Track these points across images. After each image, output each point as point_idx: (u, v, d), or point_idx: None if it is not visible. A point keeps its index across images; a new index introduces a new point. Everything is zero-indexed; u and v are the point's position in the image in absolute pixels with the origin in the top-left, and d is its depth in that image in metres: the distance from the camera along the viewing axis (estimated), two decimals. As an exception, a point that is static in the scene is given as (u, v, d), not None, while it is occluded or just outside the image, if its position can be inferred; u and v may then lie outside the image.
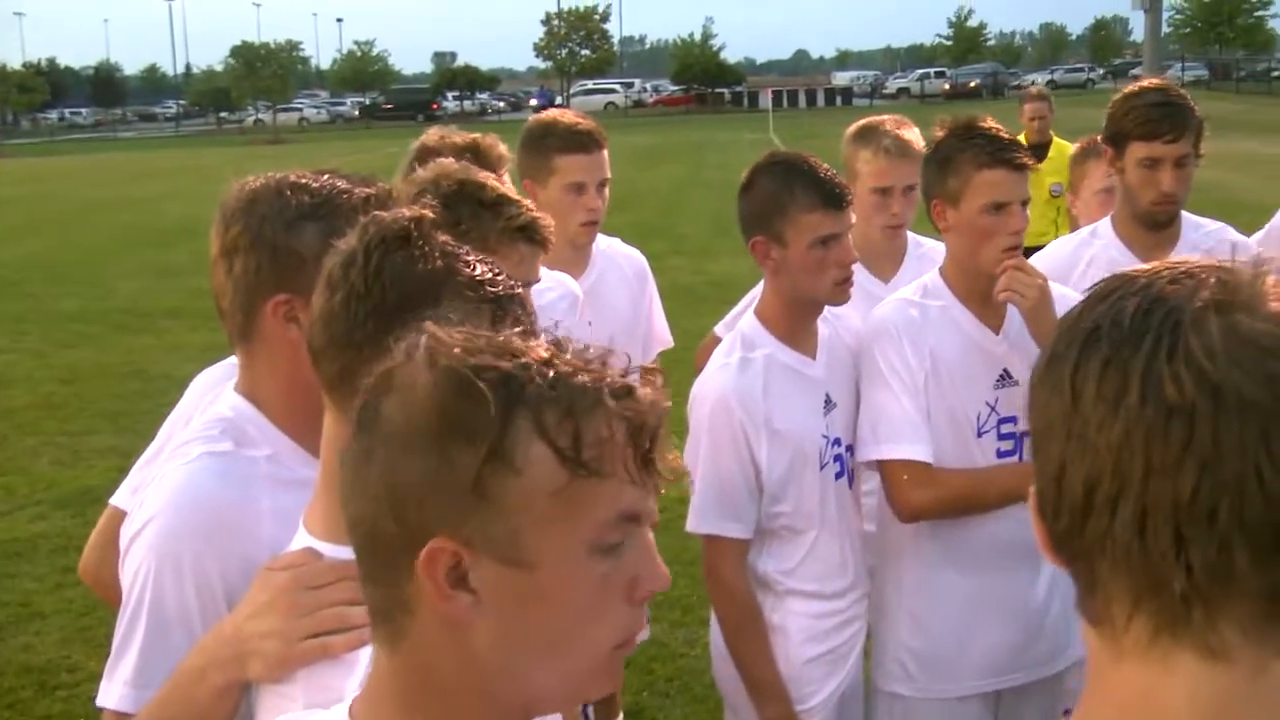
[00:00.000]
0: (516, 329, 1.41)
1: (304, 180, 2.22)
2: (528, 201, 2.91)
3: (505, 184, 2.99)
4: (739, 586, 3.54)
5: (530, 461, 1.27)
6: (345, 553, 1.55)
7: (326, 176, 2.25)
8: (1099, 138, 4.92)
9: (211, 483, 2.12)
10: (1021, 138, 8.82)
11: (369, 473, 1.31)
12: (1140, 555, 1.06)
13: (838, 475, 3.62)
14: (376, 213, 1.83)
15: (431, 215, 1.83)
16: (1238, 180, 22.63)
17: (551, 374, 1.30)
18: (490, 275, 1.80)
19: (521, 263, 2.80)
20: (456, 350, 1.31)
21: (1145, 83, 4.26)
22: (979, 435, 3.56)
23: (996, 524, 3.53)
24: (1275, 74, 68.17)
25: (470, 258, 1.81)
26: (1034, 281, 3.43)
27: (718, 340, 4.47)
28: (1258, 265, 1.10)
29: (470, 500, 1.27)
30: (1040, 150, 9.77)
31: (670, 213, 23.77)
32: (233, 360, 2.38)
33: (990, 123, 3.59)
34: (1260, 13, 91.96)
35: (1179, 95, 4.10)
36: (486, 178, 2.91)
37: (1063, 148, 8.78)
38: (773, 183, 3.49)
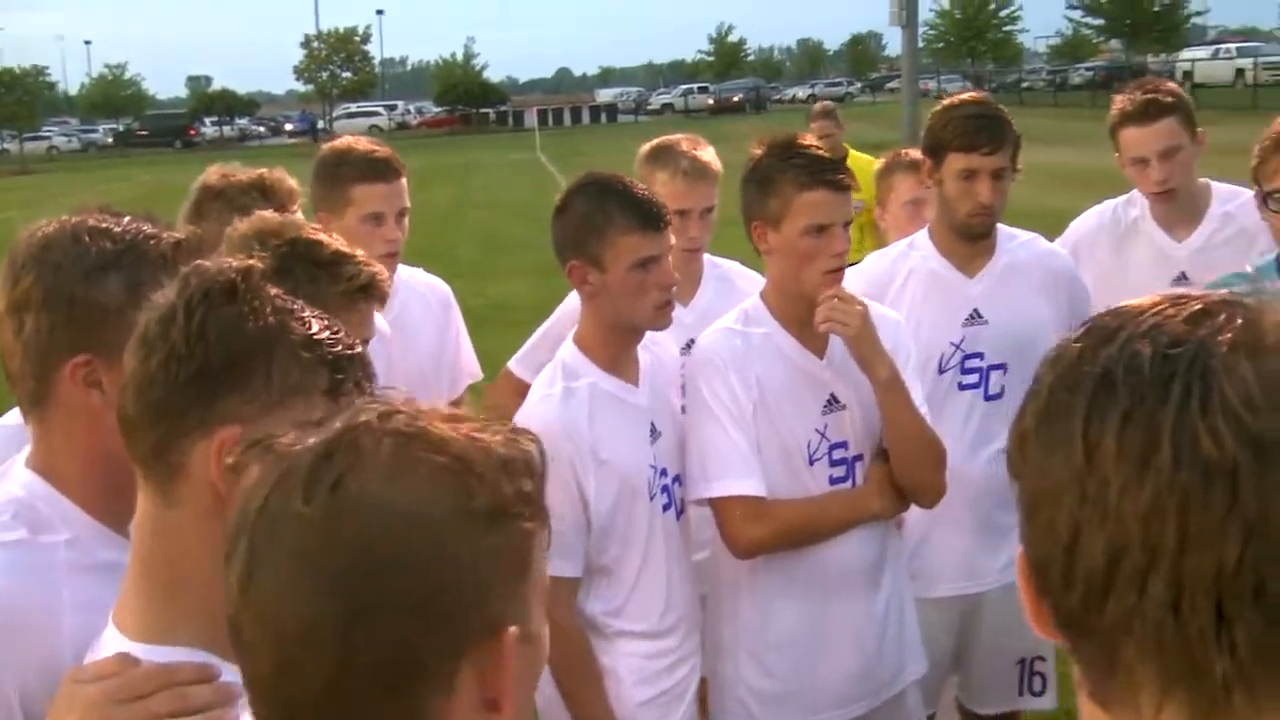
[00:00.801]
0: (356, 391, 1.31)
1: (104, 225, 1.98)
2: (361, 254, 2.69)
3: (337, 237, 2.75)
4: (571, 627, 3.38)
5: None
6: (165, 654, 1.39)
7: (129, 220, 2.01)
8: (907, 151, 4.92)
9: (1, 579, 1.84)
10: None
11: None
12: (1176, 635, 0.92)
13: (665, 507, 3.50)
14: (199, 263, 1.60)
15: (260, 266, 1.61)
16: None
17: None
18: (327, 334, 1.60)
19: (362, 322, 2.59)
20: None
21: (964, 95, 4.28)
22: (811, 463, 3.50)
23: (833, 550, 3.48)
24: (1025, 85, 70.90)
25: (305, 314, 1.61)
26: (854, 309, 3.37)
27: (512, 378, 4.37)
28: (1273, 296, 0.98)
29: None
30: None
31: (443, 236, 23.52)
32: (17, 420, 2.12)
33: (809, 141, 3.51)
34: (1009, 28, 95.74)
35: (996, 109, 4.09)
36: (316, 232, 2.68)
37: (859, 161, 8.80)
38: (588, 204, 3.36)
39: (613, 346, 3.45)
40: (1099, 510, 0.94)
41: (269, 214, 2.80)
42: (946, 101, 4.19)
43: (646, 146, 4.44)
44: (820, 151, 3.47)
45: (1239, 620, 0.91)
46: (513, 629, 1.15)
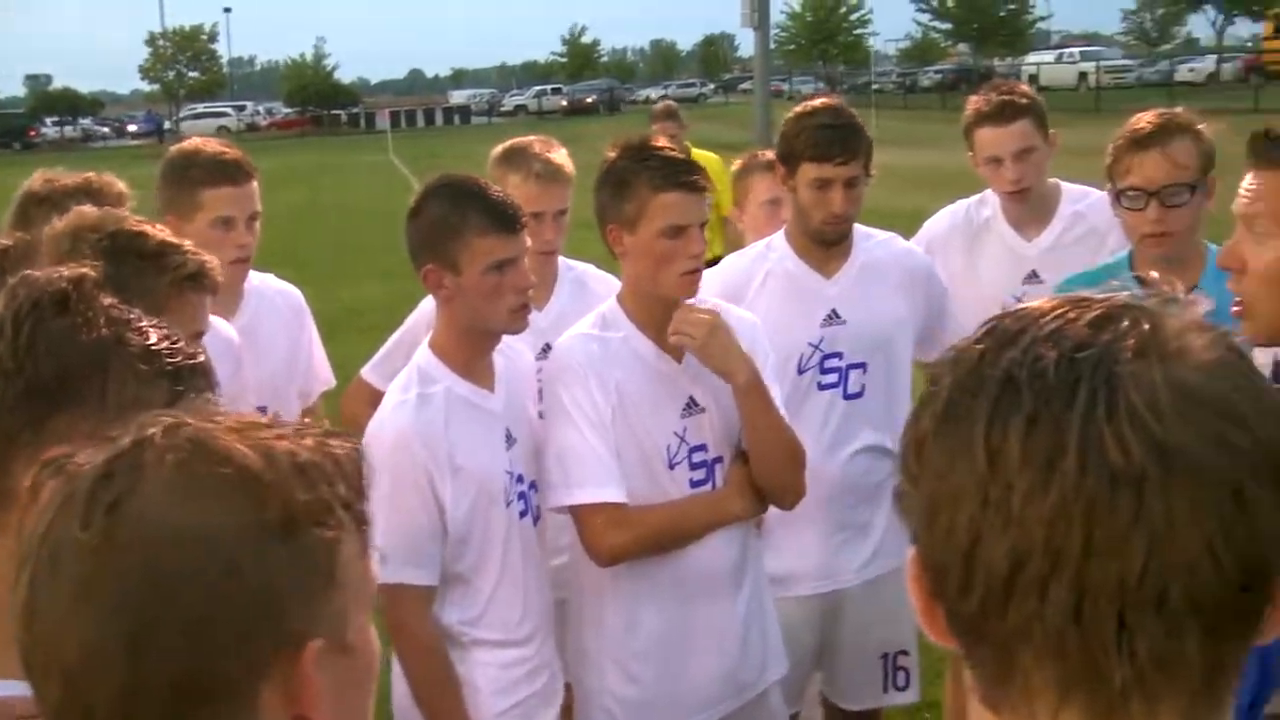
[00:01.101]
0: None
1: None
2: (187, 242, 2.60)
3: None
4: (427, 637, 3.34)
5: None
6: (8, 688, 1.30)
7: None
8: (764, 152, 4.92)
9: None
10: None
11: None
12: (1076, 643, 0.91)
13: (522, 514, 3.46)
14: (27, 273, 1.52)
15: (94, 275, 1.53)
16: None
17: None
18: (166, 344, 1.53)
19: (195, 315, 2.54)
20: None
21: (817, 102, 4.25)
22: (671, 467, 3.48)
23: (695, 554, 3.48)
24: (876, 87, 71.94)
25: (142, 324, 1.54)
26: (700, 319, 3.36)
27: (365, 385, 4.29)
28: (1183, 304, 0.97)
29: None
30: None
31: (294, 239, 23.17)
32: None
33: (663, 143, 3.49)
34: (859, 31, 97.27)
35: (849, 117, 4.09)
36: (139, 224, 2.59)
37: (705, 160, 8.79)
38: (443, 207, 3.30)
39: (468, 351, 3.40)
40: (1002, 515, 0.92)
41: (87, 209, 2.71)
42: (799, 109, 4.18)
43: (498, 149, 4.39)
44: (675, 153, 3.45)
45: (1140, 629, 0.91)
46: (316, 642, 1.11)
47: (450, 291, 3.30)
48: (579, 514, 3.42)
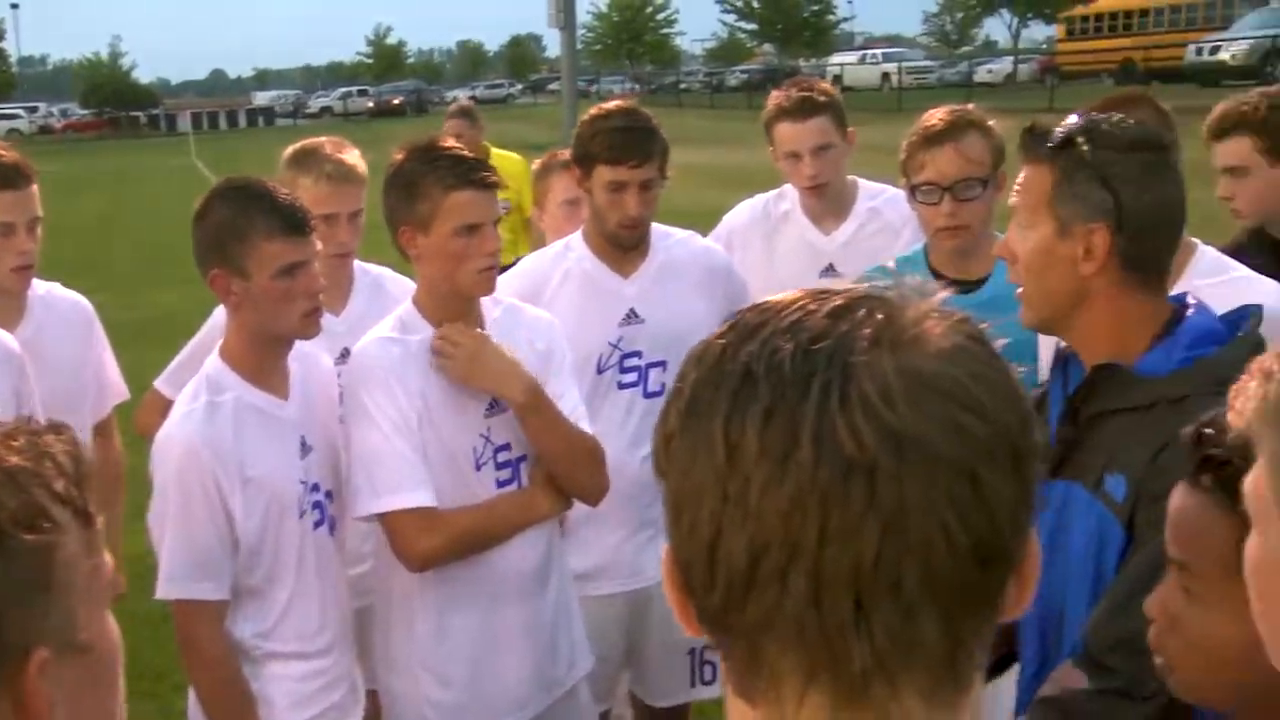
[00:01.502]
0: None
1: None
2: None
3: None
4: (217, 653, 3.25)
5: None
6: None
7: None
8: (562, 152, 4.92)
9: None
10: None
11: None
12: (816, 629, 0.93)
13: (317, 524, 3.40)
14: None
15: None
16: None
17: None
18: None
19: None
20: None
21: (612, 104, 4.26)
22: (477, 468, 3.45)
23: (502, 554, 3.47)
24: (683, 86, 72.48)
25: None
26: (460, 341, 3.36)
27: (158, 396, 4.17)
28: (919, 294, 0.98)
29: None
30: None
31: (95, 247, 22.55)
32: None
33: (451, 143, 3.47)
34: (666, 31, 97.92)
35: (644, 119, 4.10)
36: None
37: (504, 160, 8.74)
38: (229, 210, 3.22)
39: (259, 358, 3.32)
40: (740, 509, 0.93)
41: None
42: (594, 111, 4.18)
43: (289, 151, 4.30)
44: (464, 152, 3.42)
45: (876, 613, 0.92)
46: (41, 652, 1.09)
47: (239, 297, 3.22)
48: (388, 520, 3.37)
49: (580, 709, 3.74)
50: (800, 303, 0.98)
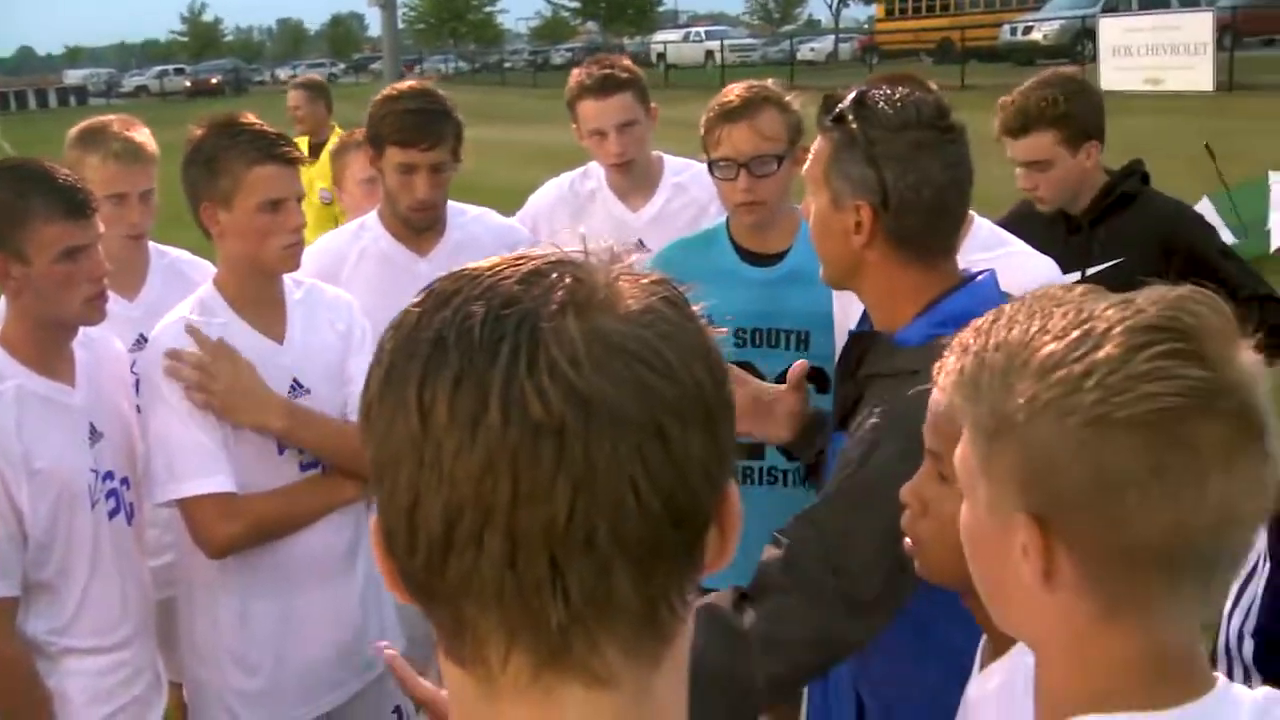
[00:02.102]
0: None
1: None
2: None
3: None
4: (9, 652, 3.15)
5: None
6: None
7: None
8: (358, 130, 4.87)
9: None
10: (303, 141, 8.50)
11: None
12: (513, 589, 0.95)
13: (112, 513, 3.31)
14: None
15: None
16: (481, 166, 23.68)
17: None
18: None
19: None
20: None
21: (404, 85, 4.22)
22: (280, 452, 3.40)
23: (306, 539, 3.42)
24: (508, 65, 72.13)
25: None
26: (216, 374, 3.28)
27: None
28: (612, 258, 1.01)
29: None
30: (316, 150, 9.09)
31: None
32: None
33: (251, 119, 3.41)
34: (489, 9, 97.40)
35: (437, 101, 4.06)
36: None
37: None
38: (5, 193, 3.11)
39: (41, 345, 3.21)
40: (436, 474, 0.94)
41: None
42: (386, 92, 4.14)
43: (74, 130, 4.15)
44: (265, 127, 3.37)
45: (571, 571, 0.93)
46: None
47: (18, 283, 3.12)
48: (187, 506, 3.29)
49: (391, 692, 3.66)
50: (496, 269, 1.00)
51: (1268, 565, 2.30)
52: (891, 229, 2.41)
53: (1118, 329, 1.27)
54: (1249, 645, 2.37)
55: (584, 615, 0.95)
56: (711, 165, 3.76)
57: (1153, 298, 1.30)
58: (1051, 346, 1.29)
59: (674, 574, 0.99)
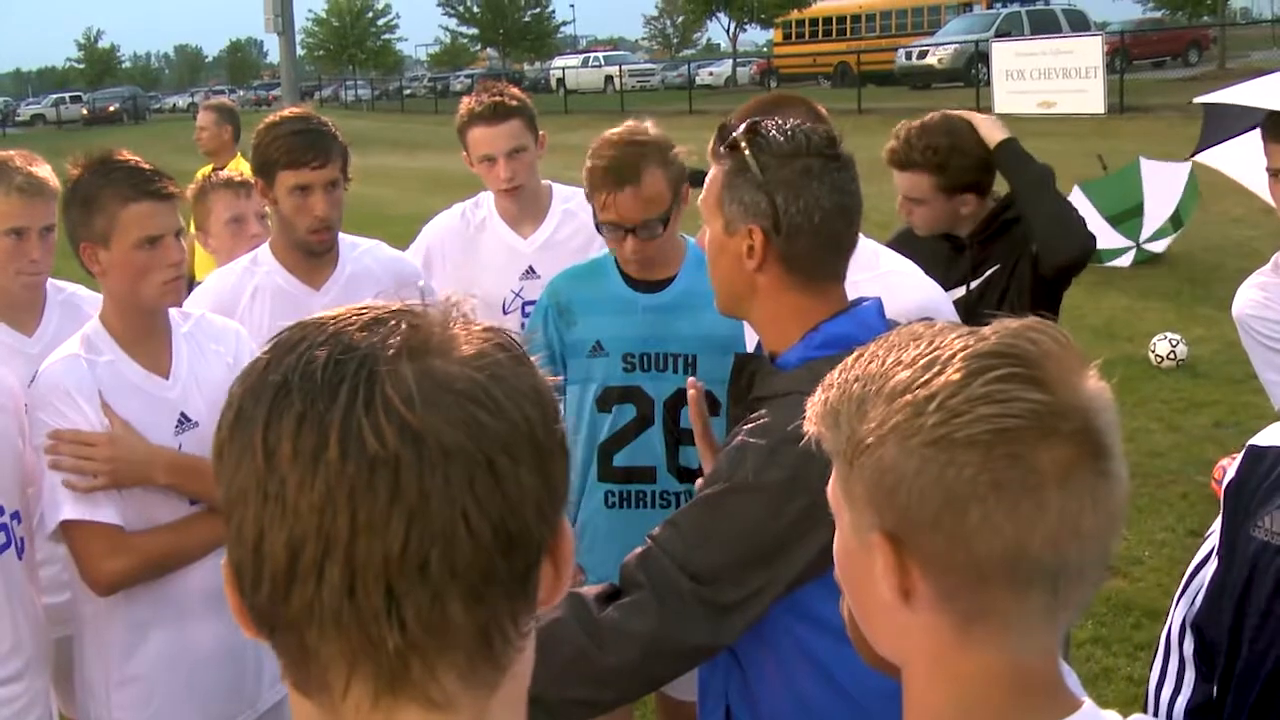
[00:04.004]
0: None
1: None
2: None
3: None
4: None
5: None
6: None
7: None
8: (217, 172, 4.88)
9: None
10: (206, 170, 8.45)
11: None
12: (352, 617, 1.00)
13: (2, 548, 3.27)
14: None
15: None
16: (385, 194, 23.67)
17: None
18: None
19: None
20: None
21: (286, 111, 4.25)
22: None
23: (198, 572, 3.39)
24: (408, 92, 71.84)
25: None
26: (92, 455, 3.24)
27: None
28: (447, 307, 1.08)
29: None
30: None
31: None
32: None
33: (127, 154, 3.40)
34: (387, 36, 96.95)
35: (320, 121, 4.10)
36: None
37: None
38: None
39: None
40: (279, 508, 0.99)
41: None
42: (268, 120, 4.14)
43: None
44: (140, 163, 3.37)
45: (407, 599, 0.99)
46: None
47: None
48: (73, 540, 3.26)
49: None
50: (340, 318, 1.07)
51: (1217, 560, 2.36)
52: (783, 252, 2.47)
53: (960, 355, 1.33)
54: (1190, 641, 2.43)
55: (420, 642, 1.00)
56: (599, 226, 3.79)
57: (997, 327, 1.37)
58: (901, 374, 1.36)
59: (506, 602, 1.04)
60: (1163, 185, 14.09)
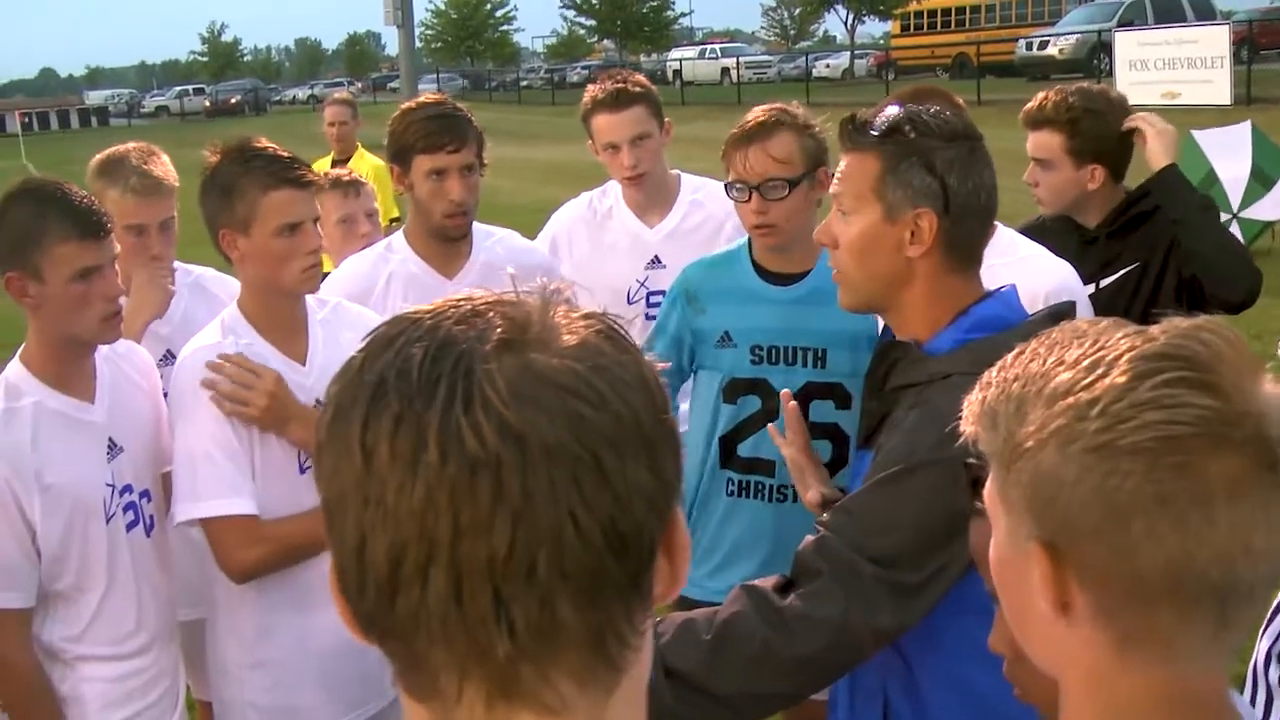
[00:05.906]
0: None
1: None
2: None
3: None
4: (22, 662, 3.20)
5: None
6: None
7: None
8: (328, 172, 4.92)
9: None
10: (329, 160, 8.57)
11: None
12: (459, 623, 0.97)
13: (131, 526, 3.35)
14: None
15: None
16: (506, 184, 23.79)
17: None
18: None
19: None
20: None
21: (423, 98, 4.27)
22: (302, 471, 3.40)
23: (325, 561, 3.36)
24: (524, 84, 72.17)
25: None
26: (249, 398, 3.31)
27: None
28: (546, 295, 1.03)
29: None
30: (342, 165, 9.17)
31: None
32: None
33: (265, 142, 3.44)
34: (505, 28, 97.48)
35: (455, 107, 4.12)
36: None
37: (374, 167, 8.59)
38: (24, 213, 3.18)
39: (59, 362, 3.26)
40: (380, 512, 0.97)
41: None
42: (404, 107, 4.17)
43: (94, 162, 4.18)
44: (279, 151, 3.40)
45: (515, 602, 0.96)
46: None
47: (35, 301, 3.17)
48: (210, 529, 3.31)
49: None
50: (438, 311, 1.03)
51: None
52: (949, 235, 2.48)
53: (1126, 357, 1.27)
54: (1275, 670, 2.37)
55: (530, 646, 0.97)
56: (728, 187, 3.77)
57: (1165, 327, 1.30)
58: (1063, 375, 1.30)
59: (619, 603, 1.01)
60: (1225, 148, 13.45)
